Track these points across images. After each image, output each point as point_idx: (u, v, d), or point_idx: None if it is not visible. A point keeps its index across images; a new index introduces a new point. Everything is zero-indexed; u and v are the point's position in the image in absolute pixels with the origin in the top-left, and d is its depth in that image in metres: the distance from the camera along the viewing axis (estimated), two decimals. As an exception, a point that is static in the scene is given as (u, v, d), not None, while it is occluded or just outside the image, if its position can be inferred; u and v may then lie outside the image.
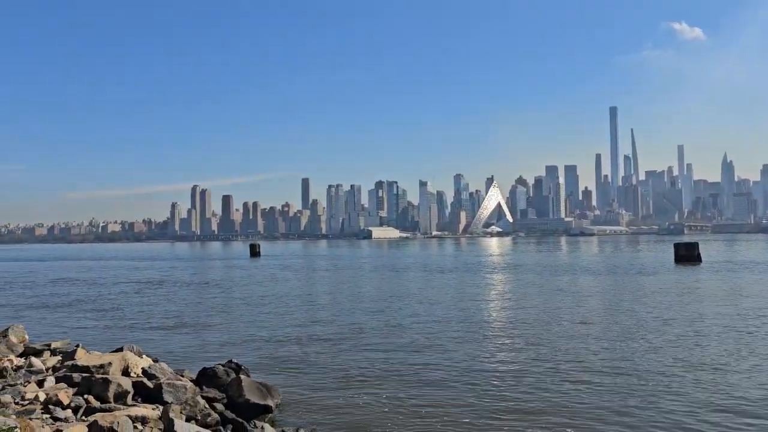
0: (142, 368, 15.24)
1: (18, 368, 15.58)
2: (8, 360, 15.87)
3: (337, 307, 35.69)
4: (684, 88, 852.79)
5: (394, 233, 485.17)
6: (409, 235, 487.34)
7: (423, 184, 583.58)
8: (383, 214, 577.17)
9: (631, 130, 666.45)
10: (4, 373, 15.00)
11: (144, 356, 16.64)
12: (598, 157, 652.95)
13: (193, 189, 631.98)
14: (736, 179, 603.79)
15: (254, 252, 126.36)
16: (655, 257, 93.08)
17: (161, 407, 12.73)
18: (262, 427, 12.94)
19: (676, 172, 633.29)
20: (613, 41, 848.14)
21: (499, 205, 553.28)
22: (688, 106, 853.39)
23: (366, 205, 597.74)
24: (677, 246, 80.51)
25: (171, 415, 11.83)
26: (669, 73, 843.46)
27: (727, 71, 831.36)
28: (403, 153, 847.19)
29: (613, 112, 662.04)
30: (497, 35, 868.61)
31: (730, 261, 78.39)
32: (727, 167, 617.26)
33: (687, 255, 75.82)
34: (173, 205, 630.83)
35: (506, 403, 15.02)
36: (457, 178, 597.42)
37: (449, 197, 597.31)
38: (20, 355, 17.21)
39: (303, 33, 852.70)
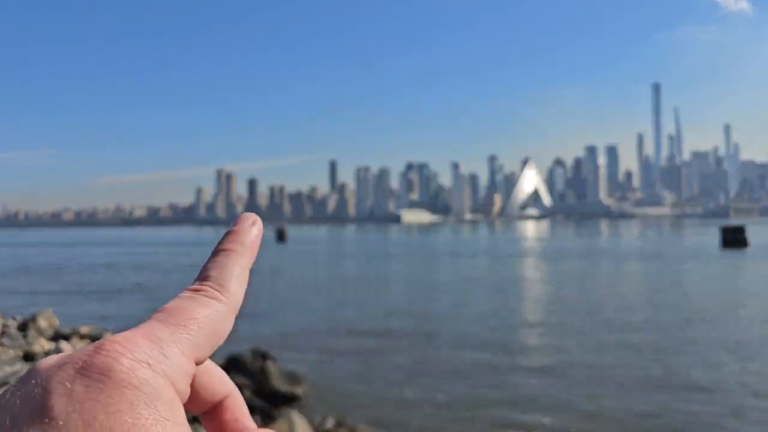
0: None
1: (47, 352, 15.63)
2: (38, 344, 15.95)
3: (366, 296, 35.38)
4: (729, 65, 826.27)
5: (425, 217, 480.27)
6: (440, 218, 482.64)
7: (455, 166, 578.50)
8: (414, 197, 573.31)
9: (675, 108, 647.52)
10: (35, 357, 15.06)
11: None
12: (640, 136, 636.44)
13: (219, 173, 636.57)
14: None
15: (281, 236, 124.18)
16: (699, 241, 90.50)
17: (187, 394, 12.60)
18: (290, 415, 12.70)
19: (722, 153, 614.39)
20: (653, 17, 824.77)
21: (535, 188, 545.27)
22: (734, 83, 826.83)
23: (396, 188, 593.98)
24: (723, 229, 77.93)
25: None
26: (712, 48, 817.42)
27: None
28: (435, 134, 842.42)
29: (656, 89, 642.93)
30: (531, 15, 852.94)
31: (779, 245, 75.67)
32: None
33: (733, 239, 73.35)
34: (198, 190, 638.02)
35: (546, 400, 14.45)
36: (492, 159, 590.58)
37: (483, 179, 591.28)
38: (50, 339, 17.31)
39: (331, 18, 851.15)
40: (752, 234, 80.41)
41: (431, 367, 17.16)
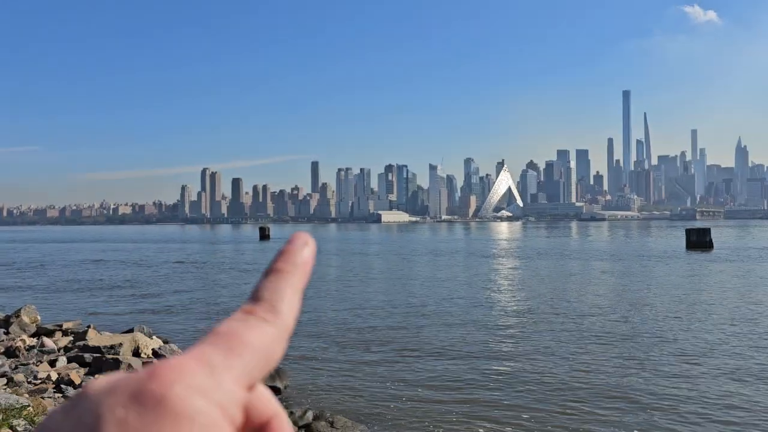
0: (153, 349, 15.44)
1: (30, 348, 15.82)
2: (21, 340, 16.12)
3: (346, 292, 35.82)
4: (697, 73, 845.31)
5: (403, 217, 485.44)
6: (418, 219, 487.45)
7: (433, 168, 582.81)
8: (393, 197, 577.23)
9: (644, 114, 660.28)
10: (17, 352, 15.25)
11: (154, 337, 16.83)
12: (610, 141, 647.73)
13: (203, 172, 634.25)
14: (749, 165, 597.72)
15: (264, 235, 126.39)
16: (666, 243, 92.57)
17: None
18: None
19: (689, 157, 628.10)
20: (625, 26, 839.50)
21: (509, 189, 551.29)
22: (701, 91, 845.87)
23: (375, 189, 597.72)
24: (689, 232, 79.78)
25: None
26: (681, 57, 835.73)
27: (743, 56, 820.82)
28: (414, 137, 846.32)
29: (626, 95, 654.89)
30: (508, 18, 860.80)
31: (741, 248, 77.87)
32: (741, 153, 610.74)
33: (698, 241, 75.19)
34: (183, 188, 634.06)
35: (519, 395, 15.09)
36: (468, 161, 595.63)
37: (459, 181, 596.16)
38: (33, 335, 17.47)
39: (313, 20, 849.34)
40: (716, 236, 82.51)
41: (412, 362, 17.71)
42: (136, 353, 15.02)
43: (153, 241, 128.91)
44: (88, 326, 17.04)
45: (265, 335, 0.61)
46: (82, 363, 13.97)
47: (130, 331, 16.78)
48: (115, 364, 13.61)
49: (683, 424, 12.61)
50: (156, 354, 15.19)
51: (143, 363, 14.18)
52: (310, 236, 0.70)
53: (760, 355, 18.21)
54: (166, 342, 16.66)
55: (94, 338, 15.87)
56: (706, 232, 77.40)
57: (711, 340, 20.31)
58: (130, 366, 13.69)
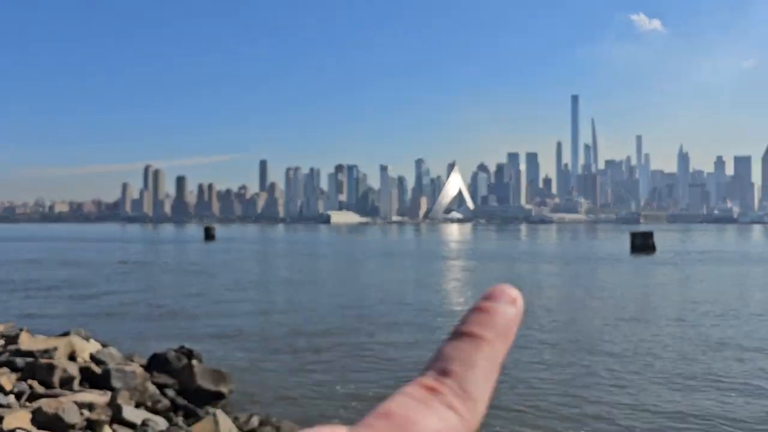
0: (90, 353, 14.82)
1: (-44, 353, 14.93)
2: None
3: (295, 294, 35.37)
4: (642, 80, 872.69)
5: (353, 218, 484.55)
6: (368, 220, 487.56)
7: (384, 169, 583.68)
8: (343, 198, 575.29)
9: (592, 119, 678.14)
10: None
11: (92, 341, 16.17)
12: (559, 145, 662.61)
13: (146, 169, 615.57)
14: (691, 170, 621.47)
15: (209, 235, 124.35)
16: (611, 246, 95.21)
17: (109, 393, 12.43)
18: (214, 413, 12.73)
19: (634, 162, 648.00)
20: (575, 31, 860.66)
21: (460, 191, 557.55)
22: (646, 97, 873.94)
23: (325, 189, 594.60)
24: (633, 235, 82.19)
25: (119, 401, 11.63)
26: (627, 64, 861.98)
27: (685, 63, 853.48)
28: (364, 137, 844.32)
29: (574, 100, 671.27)
30: (460, 22, 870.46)
31: (682, 251, 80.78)
32: (683, 159, 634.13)
33: (642, 244, 77.55)
34: (124, 186, 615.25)
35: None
36: (419, 162, 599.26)
37: (410, 182, 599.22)
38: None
39: (264, 18, 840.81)
40: (659, 240, 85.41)
41: (363, 366, 17.53)
42: (72, 357, 14.36)
43: (92, 240, 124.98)
44: (21, 329, 16.23)
45: (449, 429, 0.46)
46: (13, 368, 13.35)
47: (66, 334, 16.06)
48: (50, 369, 13.02)
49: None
50: (93, 358, 14.57)
51: (80, 368, 13.58)
52: (516, 291, 0.56)
53: (703, 357, 18.75)
54: (105, 346, 16.02)
55: (26, 342, 15.10)
56: (650, 235, 79.88)
57: (650, 343, 20.83)
58: (65, 371, 13.10)
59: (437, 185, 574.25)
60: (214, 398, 14.09)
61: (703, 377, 16.27)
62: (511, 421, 12.93)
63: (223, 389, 14.32)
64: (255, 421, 12.76)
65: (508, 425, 12.73)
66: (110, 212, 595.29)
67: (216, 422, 12.26)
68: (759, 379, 16.06)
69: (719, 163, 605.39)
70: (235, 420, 12.62)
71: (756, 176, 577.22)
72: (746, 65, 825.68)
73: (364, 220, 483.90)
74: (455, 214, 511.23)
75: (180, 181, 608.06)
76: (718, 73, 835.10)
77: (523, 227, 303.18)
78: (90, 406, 11.61)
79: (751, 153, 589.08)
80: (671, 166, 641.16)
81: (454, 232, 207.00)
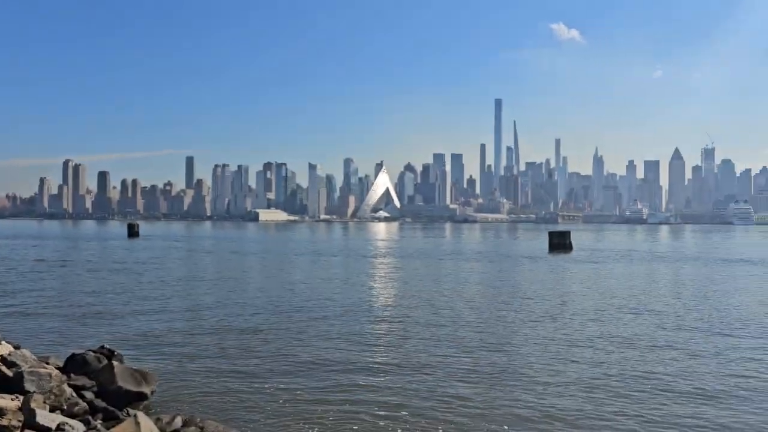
0: (1, 355, 14.06)
1: None
2: None
3: (221, 293, 34.69)
4: (561, 86, 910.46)
5: (281, 216, 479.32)
6: (297, 218, 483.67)
7: (312, 167, 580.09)
8: (271, 196, 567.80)
9: (514, 122, 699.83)
10: None
11: (3, 342, 15.34)
12: (483, 147, 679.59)
13: (65, 163, 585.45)
14: (605, 173, 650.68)
15: (132, 232, 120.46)
16: (531, 245, 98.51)
17: (21, 397, 11.86)
18: (135, 415, 12.37)
19: (552, 164, 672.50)
20: (499, 38, 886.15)
21: (387, 191, 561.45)
22: (564, 102, 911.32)
23: (253, 187, 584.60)
24: (551, 234, 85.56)
25: (32, 405, 11.09)
26: (547, 70, 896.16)
27: (600, 72, 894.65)
28: (293, 135, 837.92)
29: (498, 104, 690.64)
30: (390, 26, 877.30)
31: (596, 249, 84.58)
32: (598, 162, 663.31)
33: (559, 243, 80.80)
34: (42, 180, 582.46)
35: (394, 396, 15.30)
36: (347, 161, 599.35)
37: (339, 181, 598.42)
38: None
39: (193, 17, 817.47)
40: (576, 239, 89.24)
41: (289, 366, 17.40)
42: (-19, 360, 13.61)
43: (6, 237, 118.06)
44: None
45: None
46: None
47: (-26, 336, 15.19)
48: (-45, 373, 12.30)
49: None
50: (5, 360, 13.83)
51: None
52: None
53: (616, 350, 19.80)
54: (17, 347, 15.22)
55: (-71, 345, 14.17)
56: (567, 235, 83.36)
57: (567, 337, 21.81)
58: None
59: (365, 184, 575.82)
60: (136, 399, 13.69)
61: (618, 373, 17.19)
62: (435, 422, 13.25)
63: (146, 390, 13.93)
64: (179, 422, 12.49)
65: (433, 425, 13.05)
66: (26, 208, 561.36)
67: (137, 423, 11.92)
68: (669, 371, 17.14)
69: (631, 166, 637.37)
70: (157, 421, 12.31)
71: (664, 180, 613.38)
72: (656, 75, 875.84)
73: (292, 218, 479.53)
74: (382, 213, 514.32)
75: (102, 176, 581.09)
76: (630, 83, 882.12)
77: (448, 226, 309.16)
78: (1, 412, 11.06)
79: (659, 158, 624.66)
80: (587, 169, 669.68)
81: (381, 230, 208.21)
